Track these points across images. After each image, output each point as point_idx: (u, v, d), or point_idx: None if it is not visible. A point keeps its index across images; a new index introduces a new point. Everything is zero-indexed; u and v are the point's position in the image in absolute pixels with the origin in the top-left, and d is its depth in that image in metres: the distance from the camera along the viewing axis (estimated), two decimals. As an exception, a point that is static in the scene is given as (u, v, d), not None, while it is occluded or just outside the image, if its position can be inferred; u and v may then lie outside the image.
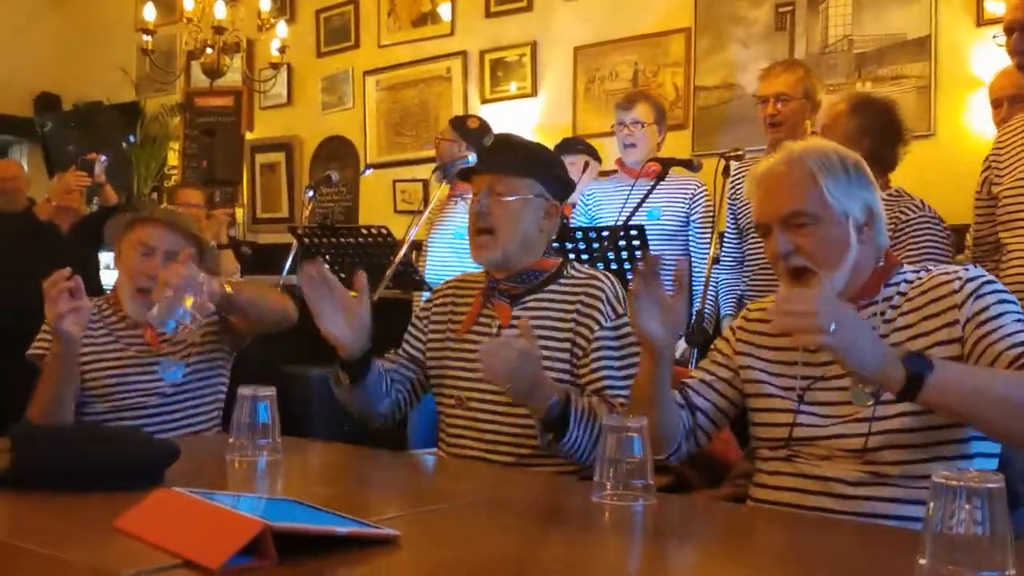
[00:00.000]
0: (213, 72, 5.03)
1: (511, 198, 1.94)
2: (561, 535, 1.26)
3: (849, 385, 1.51)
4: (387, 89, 5.60)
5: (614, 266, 3.03)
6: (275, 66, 5.21)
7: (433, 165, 3.83)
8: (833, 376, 1.56)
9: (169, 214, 2.53)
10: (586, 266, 2.04)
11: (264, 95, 5.94)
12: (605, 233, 3.03)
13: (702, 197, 3.52)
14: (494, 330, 1.97)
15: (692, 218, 3.53)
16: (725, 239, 3.45)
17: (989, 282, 1.51)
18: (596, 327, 1.88)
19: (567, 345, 1.89)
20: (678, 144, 4.27)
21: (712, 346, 1.79)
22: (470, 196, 4.03)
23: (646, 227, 3.02)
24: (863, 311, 1.56)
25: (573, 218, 3.68)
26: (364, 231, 3.55)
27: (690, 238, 3.54)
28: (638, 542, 1.27)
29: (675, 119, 4.44)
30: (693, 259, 3.47)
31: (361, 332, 1.89)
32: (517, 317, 1.92)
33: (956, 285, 1.50)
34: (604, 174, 4.11)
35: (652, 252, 3.07)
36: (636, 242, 3.00)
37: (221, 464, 1.59)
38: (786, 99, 3.19)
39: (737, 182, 3.32)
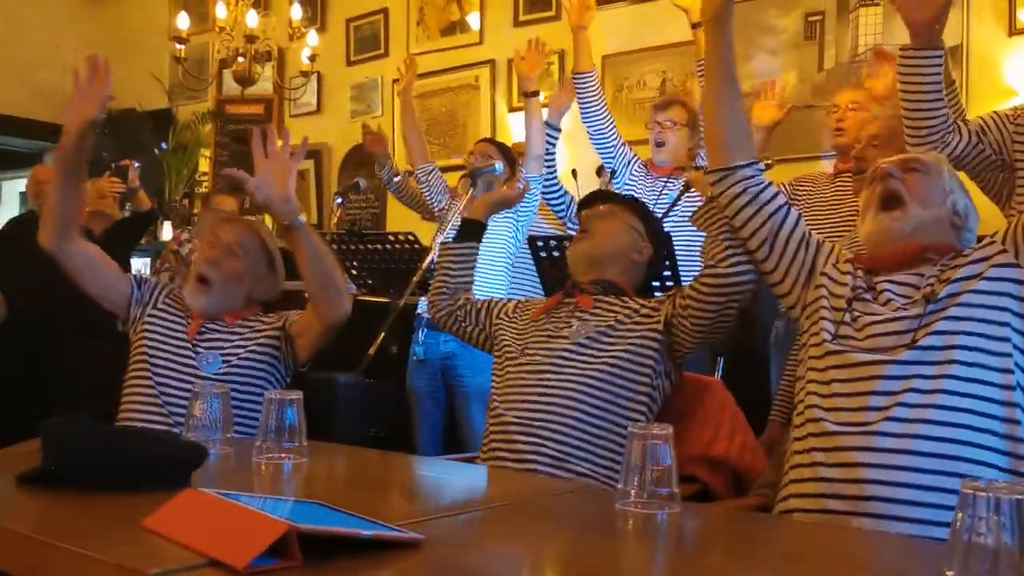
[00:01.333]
0: (245, 80, 5.09)
1: (613, 219, 2.20)
2: (584, 542, 1.26)
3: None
4: (415, 97, 5.62)
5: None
6: (305, 74, 5.26)
7: (461, 173, 3.85)
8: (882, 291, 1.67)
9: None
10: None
11: (294, 103, 6.00)
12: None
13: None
14: (572, 311, 2.11)
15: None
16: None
17: None
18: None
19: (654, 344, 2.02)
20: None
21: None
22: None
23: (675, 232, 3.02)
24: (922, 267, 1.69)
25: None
26: (391, 237, 3.57)
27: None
28: (661, 550, 1.27)
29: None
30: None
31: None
32: (599, 302, 2.09)
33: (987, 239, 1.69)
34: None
35: (681, 258, 3.10)
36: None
37: (248, 466, 1.60)
38: (857, 108, 3.18)
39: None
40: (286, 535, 0.95)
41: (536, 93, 3.72)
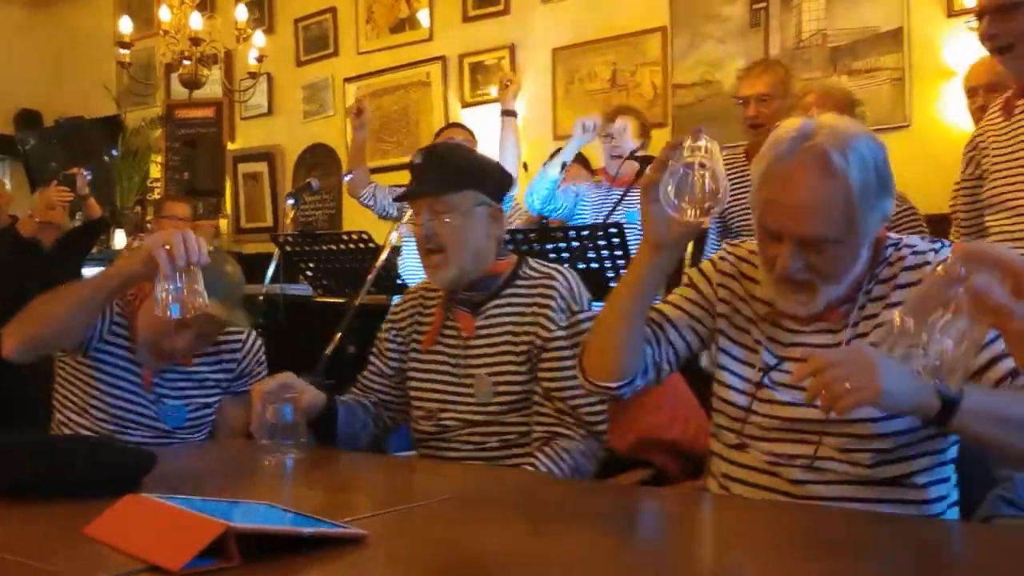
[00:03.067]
0: (192, 83, 5.04)
1: (454, 216, 1.90)
2: (531, 529, 1.27)
3: None
4: (367, 96, 5.61)
5: (595, 265, 3.04)
6: (254, 76, 5.22)
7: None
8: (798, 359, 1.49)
9: None
10: (543, 263, 2.00)
11: (244, 105, 5.95)
12: (585, 232, 3.04)
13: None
14: (460, 342, 1.96)
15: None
16: (709, 238, 3.46)
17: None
18: (552, 327, 1.87)
19: (526, 348, 1.89)
20: (657, 142, 4.27)
21: (686, 278, 1.69)
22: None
23: (629, 228, 3.03)
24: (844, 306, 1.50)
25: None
26: (345, 237, 3.56)
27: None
28: (613, 533, 1.28)
29: (654, 117, 4.46)
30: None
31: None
32: (480, 327, 1.93)
33: (931, 256, 1.45)
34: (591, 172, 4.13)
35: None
36: (616, 239, 3.01)
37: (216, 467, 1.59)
38: (767, 99, 3.21)
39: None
40: (223, 535, 0.95)
41: (513, 113, 3.72)
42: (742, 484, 1.53)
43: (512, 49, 5.01)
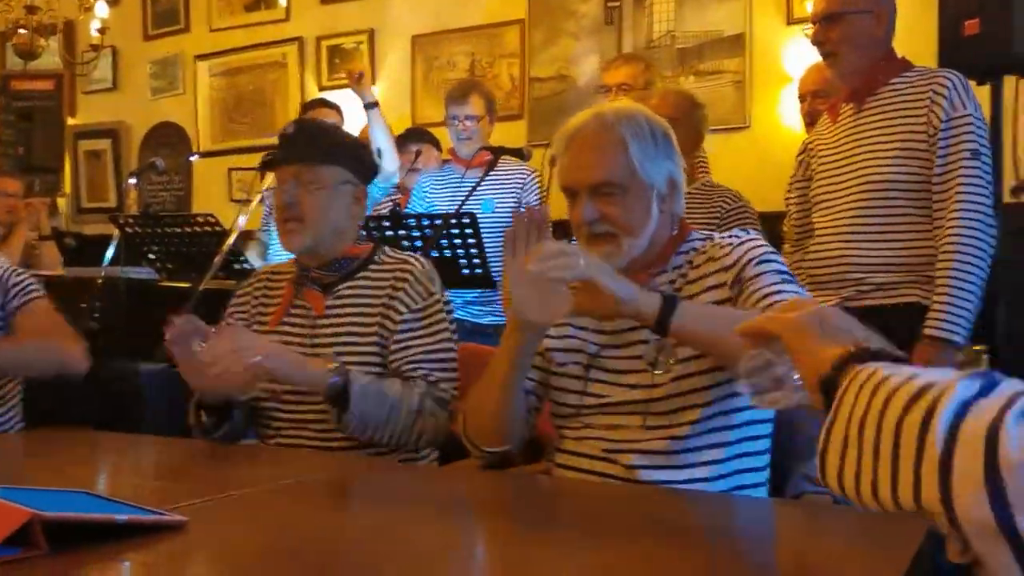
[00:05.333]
0: (27, 54, 4.76)
1: (320, 188, 1.90)
2: (363, 515, 1.27)
3: (643, 354, 1.56)
4: (220, 75, 5.44)
5: (448, 253, 3.06)
6: (96, 48, 4.97)
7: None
8: (624, 344, 1.59)
9: None
10: (398, 251, 2.01)
11: (87, 79, 5.65)
12: (438, 221, 3.05)
13: (534, 185, 3.59)
14: (308, 320, 1.94)
15: (524, 207, 3.59)
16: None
17: (759, 245, 1.57)
18: (404, 310, 1.88)
19: (375, 329, 1.89)
20: (514, 134, 4.35)
21: None
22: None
23: (482, 219, 3.06)
24: (656, 279, 1.60)
25: (409, 207, 3.68)
26: (190, 220, 3.45)
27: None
28: (445, 517, 1.30)
29: (511, 109, 4.52)
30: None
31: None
32: (330, 306, 1.92)
33: (728, 248, 1.57)
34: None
35: (487, 245, 3.13)
36: (469, 229, 3.04)
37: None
38: (628, 89, 3.30)
39: None
40: (28, 523, 0.91)
41: (375, 104, 3.63)
42: (575, 471, 1.58)
43: (371, 34, 4.96)
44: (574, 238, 1.64)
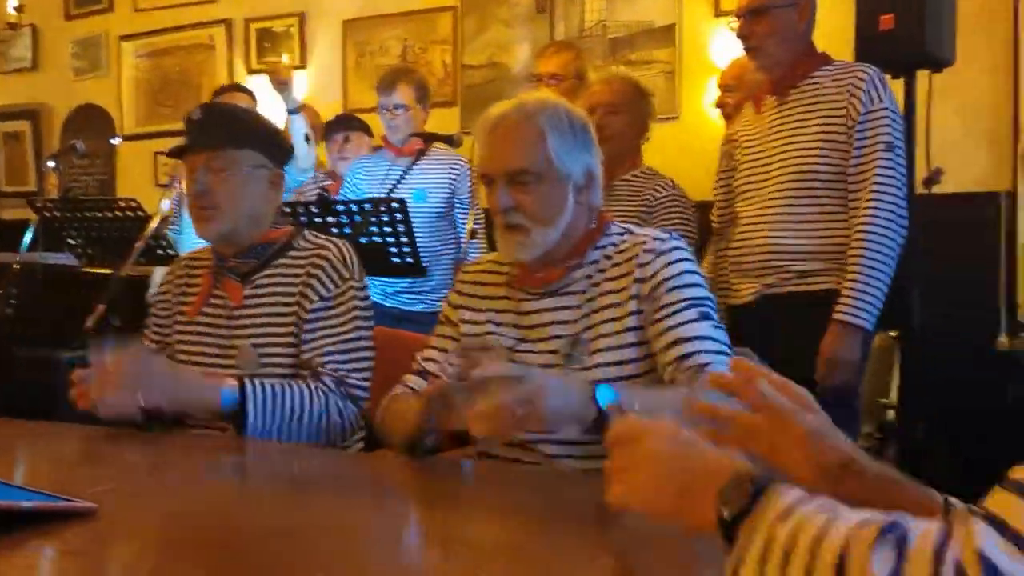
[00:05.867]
0: (-63, 30, 4.57)
1: (231, 174, 1.85)
2: (277, 499, 1.27)
3: (560, 348, 1.58)
4: (145, 56, 5.31)
5: (377, 239, 3.05)
6: (13, 27, 4.81)
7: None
8: (539, 339, 1.61)
9: None
10: (319, 235, 1.97)
11: (4, 58, 5.47)
12: (367, 206, 3.03)
13: (467, 174, 3.58)
14: (225, 311, 1.90)
15: (458, 196, 3.58)
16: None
17: (679, 260, 1.57)
18: (315, 297, 1.85)
19: (292, 320, 1.86)
20: (447, 121, 4.33)
21: (440, 316, 1.79)
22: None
23: (414, 209, 3.05)
24: (572, 273, 1.62)
25: (341, 194, 3.65)
26: (111, 205, 3.36)
27: (456, 217, 3.60)
28: (351, 501, 1.30)
29: (444, 96, 4.51)
30: (462, 238, 3.52)
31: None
32: (248, 296, 1.89)
33: (651, 256, 1.57)
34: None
35: (420, 234, 3.12)
36: (399, 215, 3.03)
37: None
38: (559, 79, 3.31)
39: None
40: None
41: (297, 111, 3.55)
42: (502, 459, 1.59)
43: (302, 18, 4.90)
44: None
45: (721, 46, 3.94)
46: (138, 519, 1.13)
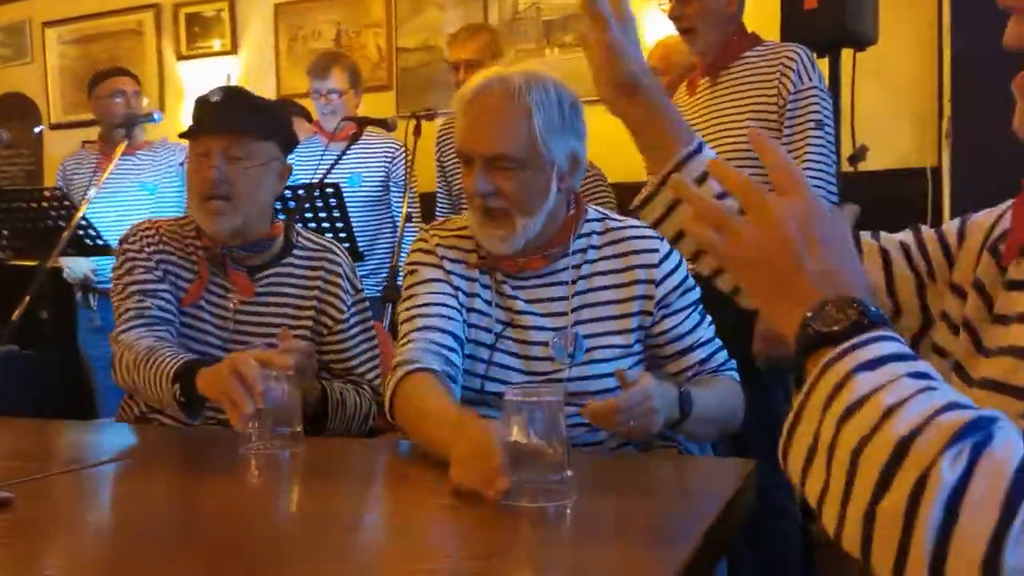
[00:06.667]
0: None
1: (253, 165, 1.76)
2: (206, 486, 1.25)
3: (550, 341, 1.55)
4: (72, 43, 5.17)
5: (312, 225, 3.02)
6: (-70, 12, 4.65)
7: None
8: (526, 327, 1.56)
9: None
10: (312, 233, 1.95)
11: (-78, 45, 5.29)
12: (301, 191, 3.00)
13: (401, 158, 3.56)
14: (230, 303, 1.82)
15: (393, 180, 3.56)
16: (438, 200, 3.53)
17: (681, 261, 1.59)
18: (343, 307, 1.84)
19: (310, 317, 1.83)
20: (383, 105, 4.29)
21: (420, 272, 1.61)
22: (148, 151, 3.78)
23: (347, 192, 3.02)
24: (558, 262, 1.57)
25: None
26: (34, 194, 3.28)
27: (392, 201, 3.58)
28: (284, 488, 1.29)
29: (379, 80, 4.47)
30: (397, 222, 3.50)
31: None
32: (260, 292, 1.82)
33: (656, 258, 1.56)
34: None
35: (356, 218, 3.09)
36: (333, 200, 3.00)
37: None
38: (476, 64, 3.29)
39: (445, 144, 3.41)
40: None
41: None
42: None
43: (232, 2, 4.80)
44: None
45: (655, 28, 3.96)
46: (54, 510, 1.11)
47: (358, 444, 1.65)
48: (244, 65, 4.83)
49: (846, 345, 0.69)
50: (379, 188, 3.50)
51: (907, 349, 0.69)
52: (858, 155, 2.88)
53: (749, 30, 2.63)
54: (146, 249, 1.83)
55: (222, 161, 1.74)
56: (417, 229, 3.42)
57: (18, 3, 5.28)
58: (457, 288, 1.57)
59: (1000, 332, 0.76)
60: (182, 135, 1.87)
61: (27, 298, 2.83)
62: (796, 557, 2.50)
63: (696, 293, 1.61)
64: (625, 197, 3.03)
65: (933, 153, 3.53)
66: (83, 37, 5.13)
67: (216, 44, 4.89)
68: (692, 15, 2.59)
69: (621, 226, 1.61)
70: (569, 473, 1.04)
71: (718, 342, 1.62)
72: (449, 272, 1.59)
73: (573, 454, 1.07)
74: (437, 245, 1.61)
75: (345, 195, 3.00)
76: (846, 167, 2.82)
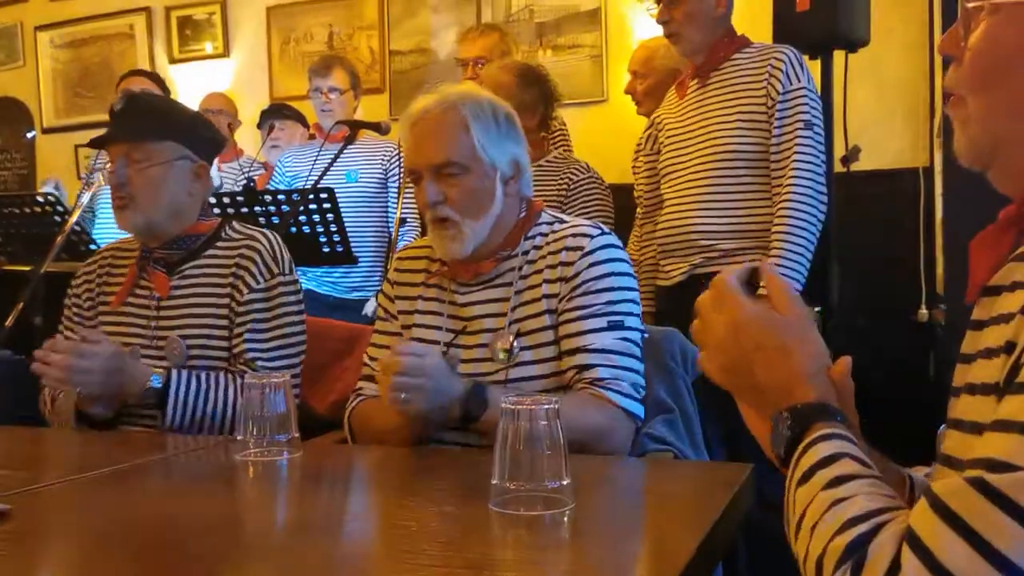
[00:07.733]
0: None
1: (150, 165, 1.84)
2: (202, 496, 1.25)
3: (488, 342, 1.58)
4: (63, 46, 5.16)
5: (306, 229, 3.01)
6: (-79, 16, 4.63)
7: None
8: (474, 331, 1.61)
9: None
10: (247, 226, 1.96)
11: (-87, 49, 5.27)
12: (295, 196, 3.00)
13: (398, 158, 3.56)
14: (152, 302, 1.88)
15: (390, 181, 3.56)
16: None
17: (604, 261, 1.57)
18: (246, 290, 1.84)
19: (225, 312, 1.84)
20: (376, 107, 4.30)
21: (379, 311, 1.76)
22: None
23: (344, 190, 3.02)
24: (504, 263, 1.62)
25: (272, 183, 3.60)
26: (30, 200, 3.27)
27: (389, 202, 3.58)
28: (282, 494, 1.29)
29: (372, 83, 4.46)
30: (392, 225, 3.50)
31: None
32: (176, 287, 1.87)
33: (577, 254, 1.56)
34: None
35: (350, 218, 3.09)
36: (327, 204, 3.00)
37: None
38: (483, 62, 3.29)
39: None
40: None
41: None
42: (437, 442, 1.58)
43: (224, 5, 4.80)
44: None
45: (646, 30, 3.97)
46: (52, 521, 1.11)
47: (355, 450, 1.65)
48: (236, 68, 4.83)
49: (790, 464, 0.81)
50: (375, 185, 3.50)
51: (834, 447, 0.79)
52: (851, 156, 2.89)
53: (740, 32, 2.64)
54: (92, 275, 1.99)
55: (123, 165, 1.84)
56: (413, 232, 3.44)
57: (10, 7, 5.27)
58: (400, 312, 1.69)
59: (961, 370, 0.79)
60: (90, 144, 1.97)
61: (20, 304, 2.82)
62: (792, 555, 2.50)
63: (612, 295, 1.55)
64: (620, 198, 3.07)
65: (925, 153, 3.55)
66: (75, 41, 5.12)
67: (208, 47, 4.89)
68: (679, 19, 2.60)
69: (564, 226, 1.63)
70: (567, 481, 1.05)
71: (615, 359, 1.52)
72: (396, 299, 1.71)
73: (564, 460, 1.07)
74: (395, 270, 1.75)
75: (341, 192, 2.99)
76: (839, 168, 2.83)
